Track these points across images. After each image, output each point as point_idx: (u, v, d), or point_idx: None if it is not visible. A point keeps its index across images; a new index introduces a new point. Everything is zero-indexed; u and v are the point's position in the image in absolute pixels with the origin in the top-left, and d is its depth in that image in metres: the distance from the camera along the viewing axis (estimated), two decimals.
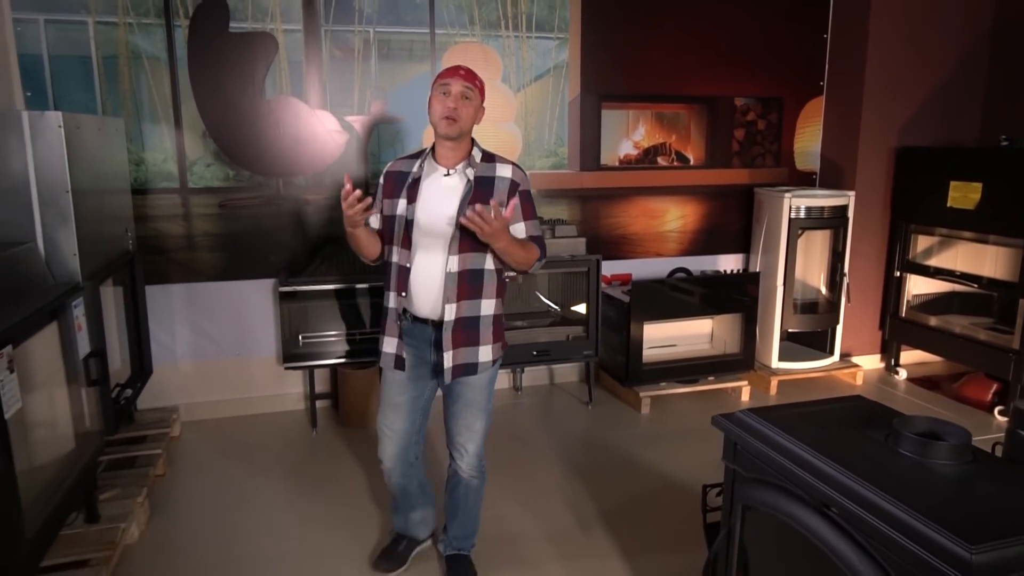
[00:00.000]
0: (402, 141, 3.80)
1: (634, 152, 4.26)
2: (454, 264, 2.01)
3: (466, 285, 2.03)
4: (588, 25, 4.00)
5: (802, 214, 4.16)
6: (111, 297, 3.03)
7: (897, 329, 4.47)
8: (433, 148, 2.11)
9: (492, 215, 1.84)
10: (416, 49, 3.77)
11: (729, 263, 4.57)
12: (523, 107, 3.99)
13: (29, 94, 3.29)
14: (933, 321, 4.30)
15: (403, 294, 2.08)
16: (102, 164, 2.87)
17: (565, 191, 4.15)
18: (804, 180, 4.63)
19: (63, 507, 2.20)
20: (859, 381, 4.35)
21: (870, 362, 4.62)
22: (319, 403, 3.80)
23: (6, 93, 3.20)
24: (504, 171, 2.08)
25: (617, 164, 4.23)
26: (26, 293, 2.18)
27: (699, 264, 4.46)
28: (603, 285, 4.07)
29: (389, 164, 2.19)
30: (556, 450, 3.40)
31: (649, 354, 4.02)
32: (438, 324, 2.06)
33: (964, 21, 4.32)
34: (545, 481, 3.09)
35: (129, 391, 3.06)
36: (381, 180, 2.17)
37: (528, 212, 2.10)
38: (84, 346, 2.38)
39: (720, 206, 4.48)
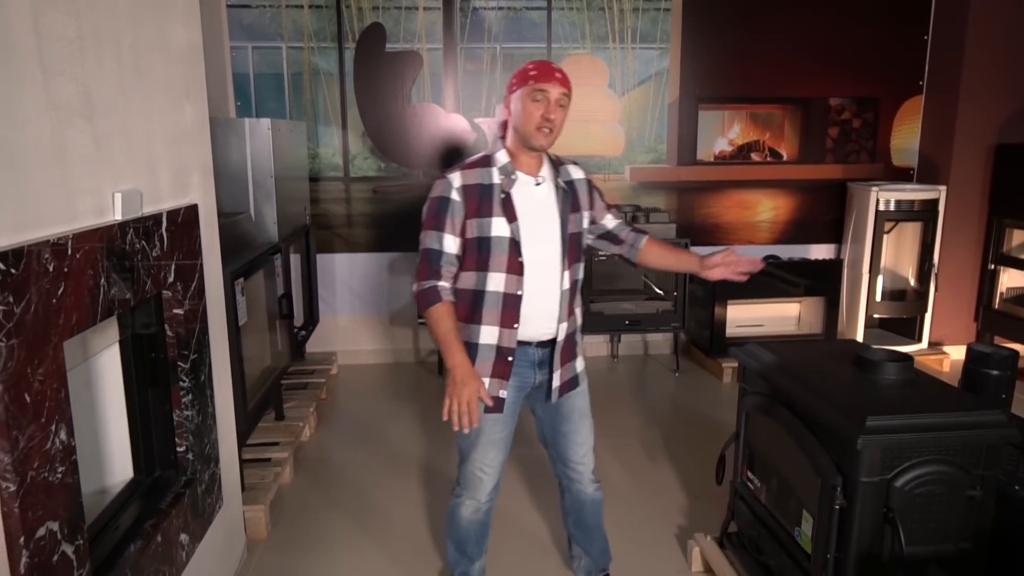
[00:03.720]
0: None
1: (729, 149, 4.70)
2: (567, 280, 1.87)
3: (571, 299, 1.91)
4: (687, 36, 4.50)
5: (891, 207, 4.43)
6: (293, 261, 3.94)
7: (990, 320, 4.61)
8: (508, 154, 1.86)
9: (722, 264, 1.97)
10: None
11: (821, 252, 4.89)
12: (627, 109, 4.56)
13: (239, 104, 4.30)
14: None
15: (515, 325, 1.82)
16: (291, 157, 3.77)
17: (663, 183, 4.68)
18: (901, 176, 4.85)
19: (263, 402, 3.08)
20: (946, 368, 4.54)
21: (962, 352, 4.76)
22: None
23: (224, 103, 4.22)
24: (576, 172, 1.99)
25: (712, 159, 4.70)
26: (244, 248, 3.07)
27: (790, 252, 4.82)
28: None
29: (455, 176, 1.82)
30: (640, 405, 3.97)
31: (735, 331, 4.47)
32: (543, 343, 1.91)
33: None
34: (626, 426, 3.67)
35: (303, 333, 3.98)
36: (456, 196, 1.79)
37: (606, 201, 2.08)
38: (280, 289, 3.27)
39: (812, 199, 4.82)
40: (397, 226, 4.52)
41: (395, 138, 4.44)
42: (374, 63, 4.34)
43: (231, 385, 2.36)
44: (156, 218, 1.73)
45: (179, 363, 1.91)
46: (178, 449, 1.95)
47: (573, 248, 1.89)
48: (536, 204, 1.85)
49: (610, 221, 2.06)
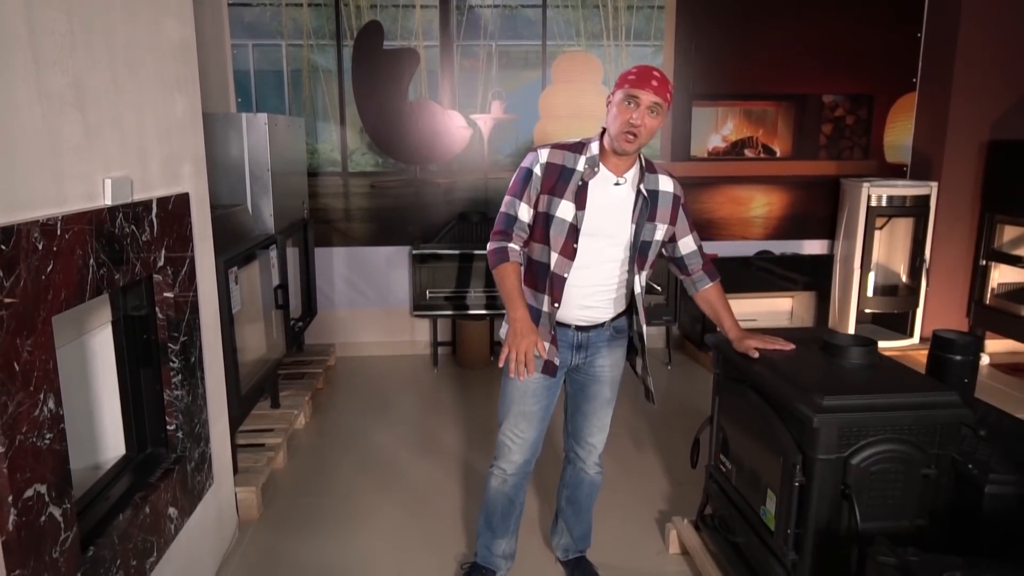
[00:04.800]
0: (516, 135, 4.57)
1: (722, 145, 4.76)
2: (637, 284, 1.97)
3: (640, 303, 2.00)
4: (681, 33, 4.56)
5: (883, 203, 4.48)
6: (291, 256, 4.03)
7: (981, 316, 4.64)
8: (600, 147, 1.92)
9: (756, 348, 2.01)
10: (530, 58, 4.52)
11: (814, 248, 4.93)
12: None
13: (239, 100, 4.39)
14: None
15: (556, 305, 1.95)
16: (289, 152, 3.86)
17: None
18: (895, 172, 4.89)
19: (257, 388, 3.17)
20: None
21: None
22: (441, 349, 4.66)
23: (224, 99, 4.32)
24: (667, 185, 1.97)
25: (706, 155, 4.76)
26: (240, 239, 3.16)
27: (784, 247, 4.87)
28: None
29: (546, 152, 1.93)
30: (631, 397, 4.01)
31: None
32: (583, 328, 2.02)
33: None
34: (616, 416, 3.69)
35: (301, 324, 4.06)
36: (538, 171, 1.92)
37: (692, 223, 2.05)
38: (275, 279, 3.35)
39: (806, 195, 4.86)
40: (394, 221, 4.60)
41: (392, 134, 4.52)
42: (372, 60, 4.42)
43: (223, 369, 2.45)
44: (146, 204, 1.81)
45: (169, 344, 1.99)
46: (168, 428, 2.03)
47: (643, 254, 1.95)
48: (610, 201, 1.92)
49: (686, 246, 2.06)
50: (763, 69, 4.67)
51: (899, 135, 4.86)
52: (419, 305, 4.35)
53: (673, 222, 2.00)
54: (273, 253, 3.33)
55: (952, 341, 2.00)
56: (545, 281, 1.95)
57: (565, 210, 1.89)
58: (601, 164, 1.91)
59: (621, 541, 2.59)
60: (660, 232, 1.97)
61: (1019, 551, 1.71)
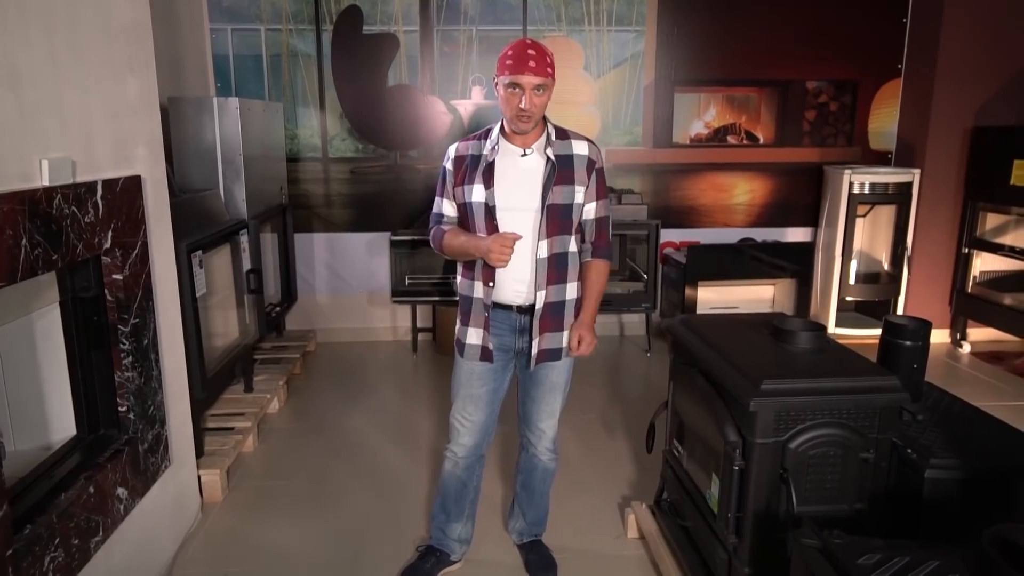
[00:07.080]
0: (496, 121, 4.54)
1: (705, 131, 4.73)
2: (544, 249, 1.94)
3: (554, 270, 1.97)
4: (663, 17, 4.52)
5: (865, 190, 4.45)
6: (270, 242, 4.03)
7: (963, 304, 4.62)
8: (502, 127, 1.99)
9: (577, 344, 2.00)
10: None
11: (798, 235, 4.91)
12: (602, 92, 4.59)
13: (219, 84, 4.38)
14: (1007, 300, 4.41)
15: (491, 284, 1.99)
16: (266, 137, 3.85)
17: (639, 165, 4.72)
18: (879, 159, 4.86)
19: (228, 371, 3.18)
20: None
21: (936, 336, 4.79)
22: (420, 335, 4.67)
23: (203, 84, 4.31)
24: (580, 148, 1.99)
25: (688, 142, 4.73)
26: (210, 223, 3.16)
27: (767, 235, 4.85)
28: (671, 250, 4.63)
29: (454, 148, 2.04)
30: (607, 383, 4.04)
31: (710, 313, 4.52)
32: (524, 309, 2.02)
33: None
34: (590, 402, 3.74)
35: (279, 309, 4.07)
36: (449, 165, 2.03)
37: (602, 191, 2.03)
38: (247, 264, 3.35)
39: (789, 182, 4.84)
40: (375, 206, 4.60)
41: (372, 120, 4.51)
42: (351, 45, 4.41)
43: (183, 351, 2.45)
44: (90, 186, 1.81)
45: (119, 326, 2.00)
46: (120, 409, 2.04)
47: (555, 219, 1.95)
48: (518, 173, 1.96)
49: (587, 212, 2.03)
50: (746, 55, 4.63)
51: (884, 122, 4.82)
52: (399, 291, 4.35)
53: (586, 185, 2.00)
54: (243, 238, 3.33)
55: (901, 327, 2.00)
56: (475, 266, 2.02)
57: (478, 193, 1.96)
58: (504, 140, 1.97)
59: (581, 525, 2.60)
60: (580, 195, 1.98)
61: (959, 535, 1.71)
